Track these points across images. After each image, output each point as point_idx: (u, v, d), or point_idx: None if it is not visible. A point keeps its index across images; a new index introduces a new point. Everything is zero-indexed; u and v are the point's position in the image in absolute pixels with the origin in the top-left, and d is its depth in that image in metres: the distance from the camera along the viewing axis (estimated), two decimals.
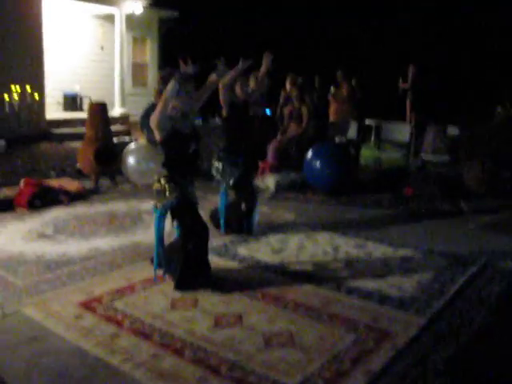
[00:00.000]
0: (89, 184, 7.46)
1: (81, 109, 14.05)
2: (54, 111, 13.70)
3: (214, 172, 5.25)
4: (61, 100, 14.34)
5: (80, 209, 6.30)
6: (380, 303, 3.77)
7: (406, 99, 10.17)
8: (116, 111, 14.54)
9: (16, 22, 11.66)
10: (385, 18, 20.87)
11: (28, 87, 7.59)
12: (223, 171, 5.15)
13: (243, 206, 5.26)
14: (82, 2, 13.42)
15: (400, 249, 5.03)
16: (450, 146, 8.54)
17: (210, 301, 3.77)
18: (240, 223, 5.30)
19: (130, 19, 14.82)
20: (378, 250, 4.98)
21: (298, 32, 22.22)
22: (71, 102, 14.24)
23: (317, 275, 4.32)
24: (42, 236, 5.25)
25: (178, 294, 3.87)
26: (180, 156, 3.94)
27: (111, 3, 13.98)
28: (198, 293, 3.88)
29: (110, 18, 14.74)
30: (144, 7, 14.67)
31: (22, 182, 6.51)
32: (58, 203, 6.40)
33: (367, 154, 9.90)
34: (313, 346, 3.15)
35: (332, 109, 10.50)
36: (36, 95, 7.76)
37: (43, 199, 6.31)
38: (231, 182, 5.16)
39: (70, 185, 6.94)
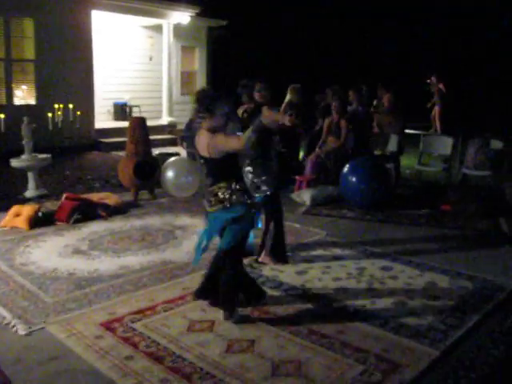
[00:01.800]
0: (128, 197, 7.68)
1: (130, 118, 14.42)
2: (103, 120, 14.13)
3: (245, 177, 5.18)
4: (111, 109, 14.79)
5: (117, 223, 6.50)
6: (395, 332, 3.75)
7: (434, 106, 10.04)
8: (164, 120, 14.89)
9: (66, 40, 12.13)
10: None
11: (71, 105, 7.90)
12: (256, 174, 5.04)
13: (271, 225, 5.25)
14: (130, 16, 13.80)
15: (427, 272, 4.97)
16: (492, 160, 8.30)
17: (226, 324, 3.85)
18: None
19: (178, 29, 15.11)
20: (404, 273, 4.93)
21: (341, 40, 22.32)
22: (120, 111, 14.63)
23: (336, 300, 4.32)
24: (77, 252, 5.46)
25: (196, 316, 3.97)
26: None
27: (158, 16, 14.29)
28: (215, 315, 3.96)
29: (158, 28, 15.06)
30: (191, 16, 14.92)
31: (63, 197, 6.77)
32: (98, 217, 6.63)
33: (407, 165, 9.76)
34: (319, 377, 3.18)
35: (375, 122, 10.46)
36: (80, 111, 8.07)
37: (83, 214, 6.55)
38: (266, 187, 5.09)
39: (110, 199, 7.15)
